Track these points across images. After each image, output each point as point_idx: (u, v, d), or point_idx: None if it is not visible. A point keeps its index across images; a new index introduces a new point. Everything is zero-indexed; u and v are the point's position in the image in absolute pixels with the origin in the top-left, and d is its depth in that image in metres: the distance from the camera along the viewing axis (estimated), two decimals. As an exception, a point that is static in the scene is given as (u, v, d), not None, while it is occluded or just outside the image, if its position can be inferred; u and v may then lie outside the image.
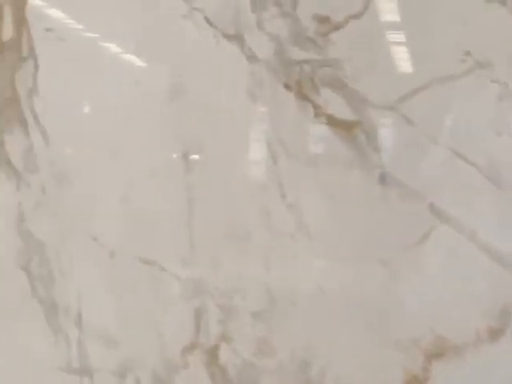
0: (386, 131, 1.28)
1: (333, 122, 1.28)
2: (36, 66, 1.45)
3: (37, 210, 1.48)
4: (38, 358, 1.50)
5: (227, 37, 1.34)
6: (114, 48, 1.42)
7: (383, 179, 1.26)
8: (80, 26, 1.43)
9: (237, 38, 1.33)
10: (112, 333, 1.46)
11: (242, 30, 1.33)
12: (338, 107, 1.28)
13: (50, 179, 1.46)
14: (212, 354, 1.40)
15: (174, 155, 1.39)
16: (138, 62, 1.39)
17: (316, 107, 1.28)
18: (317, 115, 1.28)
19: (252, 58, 1.32)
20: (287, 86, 1.29)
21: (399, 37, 1.28)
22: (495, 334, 1.23)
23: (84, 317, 1.47)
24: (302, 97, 1.29)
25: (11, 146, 1.48)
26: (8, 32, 1.46)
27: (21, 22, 1.44)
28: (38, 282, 1.49)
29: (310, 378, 1.32)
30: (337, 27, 1.28)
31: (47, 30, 1.43)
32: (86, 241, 1.46)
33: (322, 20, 1.27)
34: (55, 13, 1.44)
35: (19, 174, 1.47)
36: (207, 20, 1.34)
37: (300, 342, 1.32)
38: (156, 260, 1.42)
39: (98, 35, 1.43)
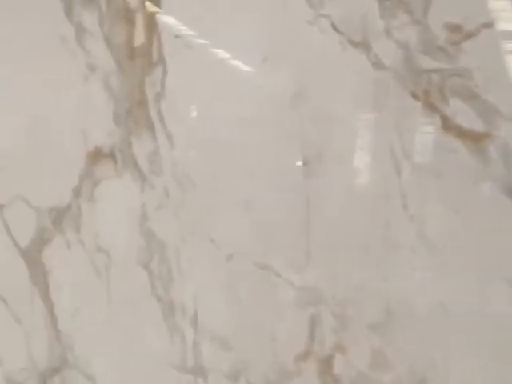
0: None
1: (461, 133, 1.24)
2: (164, 72, 1.49)
3: (159, 211, 1.52)
4: (154, 355, 1.54)
5: (353, 43, 1.33)
6: (239, 54, 1.44)
7: (512, 193, 1.21)
8: (207, 33, 1.46)
9: (363, 45, 1.32)
10: (226, 335, 1.47)
11: (369, 36, 1.31)
12: (467, 118, 1.23)
13: (173, 182, 1.50)
14: (326, 363, 1.38)
15: (294, 162, 1.39)
16: (261, 67, 1.41)
17: (444, 117, 1.24)
18: (444, 126, 1.24)
19: (378, 65, 1.30)
20: (414, 95, 1.26)
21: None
22: None
23: (200, 317, 1.50)
24: (430, 106, 1.25)
25: (138, 149, 1.53)
26: (140, 38, 1.51)
27: (152, 28, 1.49)
28: (157, 281, 1.53)
29: (427, 395, 1.28)
30: (468, 36, 1.24)
31: (176, 36, 1.48)
32: (204, 243, 1.48)
33: (454, 28, 1.23)
34: (184, 20, 1.48)
35: (144, 176, 1.52)
36: (333, 26, 1.33)
37: (418, 357, 1.28)
38: (272, 266, 1.42)
39: (223, 41, 1.45)
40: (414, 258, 1.30)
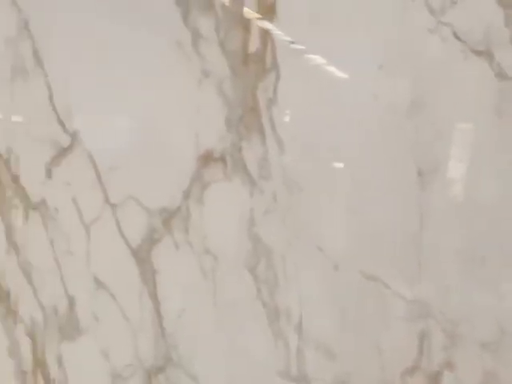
0: None
1: None
2: (277, 78, 1.49)
3: (267, 216, 1.52)
4: (258, 359, 1.55)
5: (476, 52, 1.28)
6: (355, 61, 1.42)
7: None
8: (322, 39, 1.45)
9: (486, 54, 1.27)
10: (331, 344, 1.46)
11: (493, 45, 1.26)
12: None
13: (282, 187, 1.50)
14: (434, 379, 1.35)
15: (409, 171, 1.36)
16: (378, 75, 1.38)
17: None
18: None
19: (501, 75, 1.25)
20: (541, 107, 1.21)
21: None
22: None
23: (304, 324, 1.49)
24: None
25: (248, 153, 1.54)
26: (254, 44, 1.52)
27: (267, 34, 1.49)
28: (263, 285, 1.54)
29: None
30: None
31: (291, 43, 1.47)
32: (311, 250, 1.47)
33: None
34: (299, 26, 1.48)
35: (254, 181, 1.53)
36: (455, 35, 1.29)
37: (536, 381, 1.23)
38: (381, 277, 1.40)
39: (339, 48, 1.44)
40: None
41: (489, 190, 1.30)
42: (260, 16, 1.51)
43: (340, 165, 1.45)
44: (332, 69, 1.45)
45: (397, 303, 1.38)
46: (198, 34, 1.59)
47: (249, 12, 1.52)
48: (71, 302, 1.82)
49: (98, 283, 1.77)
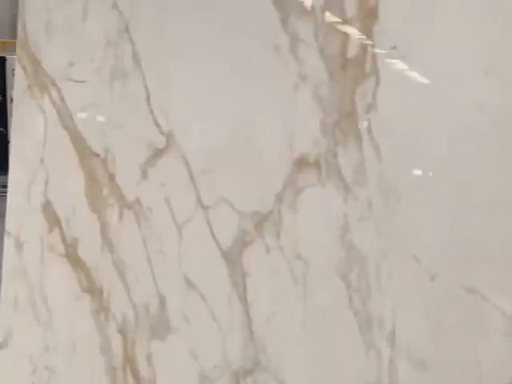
0: None
1: None
2: (377, 83, 1.47)
3: (361, 223, 1.50)
4: (348, 369, 1.53)
5: None
6: (457, 67, 1.38)
7: None
8: (424, 45, 1.42)
9: None
10: (424, 356, 1.42)
11: None
12: None
13: (378, 194, 1.47)
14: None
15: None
16: (484, 82, 1.34)
17: None
18: None
19: None
20: None
21: None
22: None
23: (397, 335, 1.46)
24: None
25: (343, 159, 1.52)
26: (353, 49, 1.50)
27: (367, 38, 1.47)
28: (355, 294, 1.51)
29: None
30: None
31: (392, 48, 1.45)
32: (407, 260, 1.44)
33: None
34: (400, 31, 1.45)
35: (348, 187, 1.51)
36: None
37: None
38: (479, 289, 1.35)
39: (442, 54, 1.40)
40: None
41: None
42: (360, 19, 1.49)
43: (440, 173, 1.41)
44: (434, 75, 1.41)
45: (496, 317, 1.33)
46: (296, 38, 1.59)
47: (349, 16, 1.51)
48: (162, 301, 1.85)
49: (189, 283, 1.79)
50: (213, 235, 1.74)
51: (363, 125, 1.49)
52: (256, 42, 1.65)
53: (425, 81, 1.42)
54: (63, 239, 2.07)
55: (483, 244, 1.35)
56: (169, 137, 1.83)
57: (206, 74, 1.78)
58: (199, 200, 1.76)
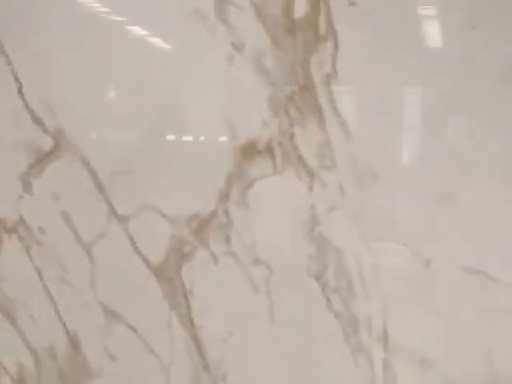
0: None
1: None
2: (336, 48, 1.24)
3: (333, 213, 1.29)
4: (336, 381, 1.32)
5: None
6: (432, 22, 1.20)
7: None
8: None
9: None
10: (426, 352, 1.26)
11: None
12: None
13: (351, 178, 1.26)
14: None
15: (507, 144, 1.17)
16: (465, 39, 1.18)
17: None
18: None
19: None
20: None
21: None
22: None
23: (390, 334, 1.28)
24: None
25: (303, 141, 1.28)
26: (301, 8, 1.25)
27: (319, -5, 1.24)
28: (333, 295, 1.30)
29: None
30: None
31: (351, 3, 1.23)
32: (393, 248, 1.26)
33: None
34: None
35: (312, 173, 1.28)
36: None
37: None
38: (483, 269, 1.21)
39: (409, 5, 1.21)
40: None
41: None
42: (309, -27, 1.24)
43: (422, 146, 1.23)
44: (402, 31, 1.22)
45: (508, 296, 1.20)
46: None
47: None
48: (74, 340, 1.48)
49: (110, 314, 1.45)
50: (137, 251, 1.41)
51: (323, 99, 1.26)
52: (171, 6, 1.33)
53: (391, 40, 1.22)
54: None
55: (483, 221, 1.20)
56: (57, 135, 1.44)
57: (103, 50, 1.40)
58: (112, 210, 1.41)
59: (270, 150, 1.30)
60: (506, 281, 1.20)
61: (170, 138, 1.36)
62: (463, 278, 1.23)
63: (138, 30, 1.36)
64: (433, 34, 1.20)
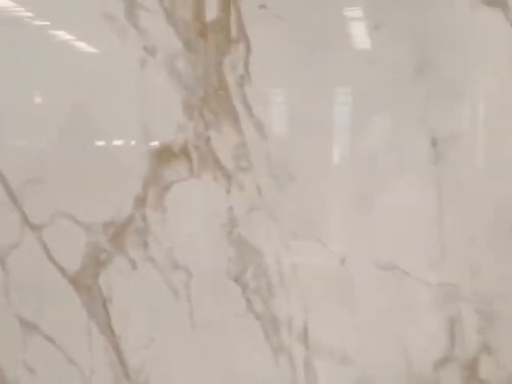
0: None
1: None
2: (248, 50, 1.25)
3: (251, 214, 1.29)
4: (258, 380, 1.33)
5: (487, 2, 1.16)
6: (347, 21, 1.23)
7: None
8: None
9: (499, 4, 1.15)
10: (345, 349, 1.29)
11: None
12: None
13: (268, 179, 1.27)
14: (470, 367, 1.24)
15: (421, 143, 1.21)
16: (374, 36, 1.21)
17: None
18: None
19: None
20: None
21: None
22: None
23: (311, 332, 1.30)
24: None
25: (219, 144, 1.28)
26: (212, 11, 1.25)
27: (229, -2, 1.24)
28: (254, 296, 1.31)
29: None
30: None
31: (261, 6, 1.24)
32: (311, 246, 1.28)
33: None
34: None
35: (229, 175, 1.28)
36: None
37: None
38: (398, 265, 1.25)
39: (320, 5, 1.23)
40: None
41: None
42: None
43: (336, 146, 1.26)
44: (314, 33, 1.24)
45: (420, 291, 1.25)
46: (133, 4, 1.28)
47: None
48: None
49: (26, 325, 1.41)
50: (52, 260, 1.38)
51: (237, 101, 1.26)
52: (81, 12, 1.31)
53: (301, 44, 1.24)
54: None
55: (399, 217, 1.24)
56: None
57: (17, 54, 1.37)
58: (25, 219, 1.37)
59: (186, 154, 1.30)
60: (417, 275, 1.23)
61: (84, 143, 1.34)
62: (377, 274, 1.25)
63: (62, 34, 1.33)
64: (346, 35, 1.22)
